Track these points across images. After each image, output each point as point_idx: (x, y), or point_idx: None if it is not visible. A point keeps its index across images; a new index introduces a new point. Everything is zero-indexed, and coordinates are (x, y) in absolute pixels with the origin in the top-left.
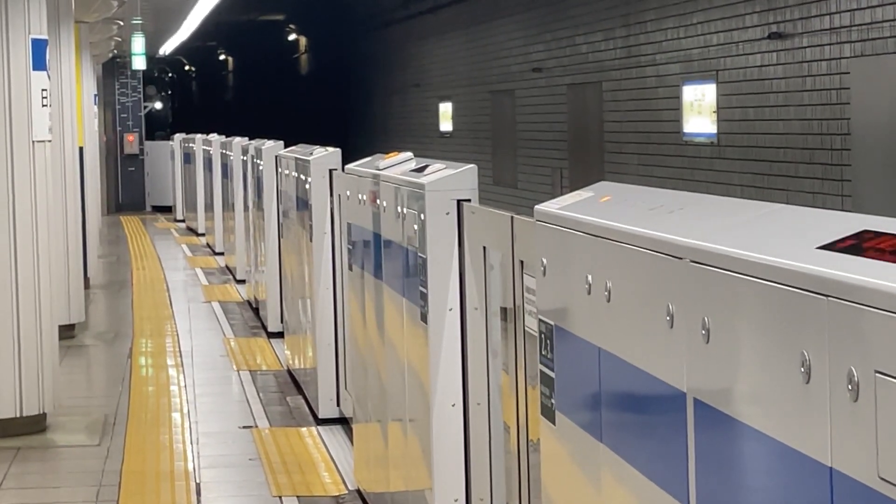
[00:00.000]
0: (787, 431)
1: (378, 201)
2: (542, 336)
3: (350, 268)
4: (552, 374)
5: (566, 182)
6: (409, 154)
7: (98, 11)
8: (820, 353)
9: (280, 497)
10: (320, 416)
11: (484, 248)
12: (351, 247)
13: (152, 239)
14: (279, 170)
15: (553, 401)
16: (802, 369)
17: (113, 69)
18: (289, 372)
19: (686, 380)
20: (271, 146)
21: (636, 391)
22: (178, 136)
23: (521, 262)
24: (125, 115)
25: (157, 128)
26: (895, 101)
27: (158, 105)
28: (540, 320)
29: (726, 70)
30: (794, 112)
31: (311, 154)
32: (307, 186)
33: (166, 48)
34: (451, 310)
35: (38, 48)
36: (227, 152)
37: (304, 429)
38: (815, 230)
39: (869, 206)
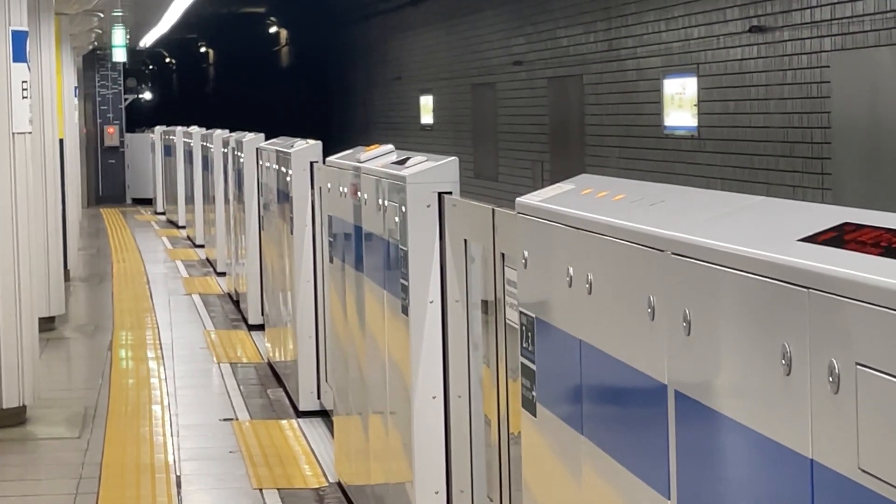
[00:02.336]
0: (767, 423)
1: (359, 194)
2: (524, 328)
3: (331, 260)
4: (533, 367)
5: (547, 175)
6: (391, 146)
7: (78, 3)
8: (801, 345)
9: (261, 489)
10: (301, 409)
11: (465, 240)
12: (332, 239)
13: (132, 231)
14: (260, 162)
15: (534, 393)
16: (783, 361)
17: (93, 61)
18: (269, 364)
19: (667, 372)
20: (252, 139)
21: (617, 383)
22: (159, 129)
23: (503, 254)
24: (105, 108)
25: (140, 120)
26: (875, 94)
27: (148, 95)
28: (521, 313)
29: (707, 63)
30: (775, 105)
31: (293, 146)
32: (288, 179)
33: (147, 40)
34: (431, 302)
35: (19, 40)
36: (208, 145)
37: (284, 421)
38: (796, 222)
39: (849, 199)
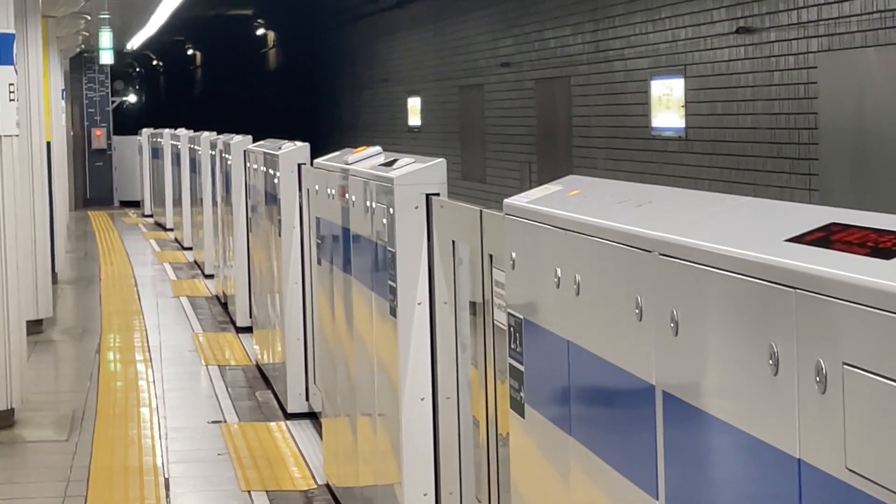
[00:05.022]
0: (755, 423)
1: (347, 196)
2: (512, 329)
3: (319, 262)
4: (521, 368)
5: (534, 176)
6: (378, 148)
7: (65, 6)
8: (788, 345)
9: (249, 492)
10: (289, 411)
11: (453, 241)
12: (320, 241)
13: (120, 234)
14: (248, 164)
15: (522, 394)
16: (771, 361)
17: (80, 64)
18: (257, 367)
19: (655, 372)
20: (240, 141)
21: (605, 384)
22: (146, 131)
23: (490, 255)
24: (93, 110)
25: (128, 122)
26: (862, 95)
27: (132, 98)
28: (509, 314)
29: (694, 65)
30: (762, 106)
31: (280, 148)
32: (276, 181)
33: (134, 43)
34: (419, 304)
35: (5, 43)
36: (196, 147)
37: (272, 423)
38: (782, 223)
39: (836, 200)
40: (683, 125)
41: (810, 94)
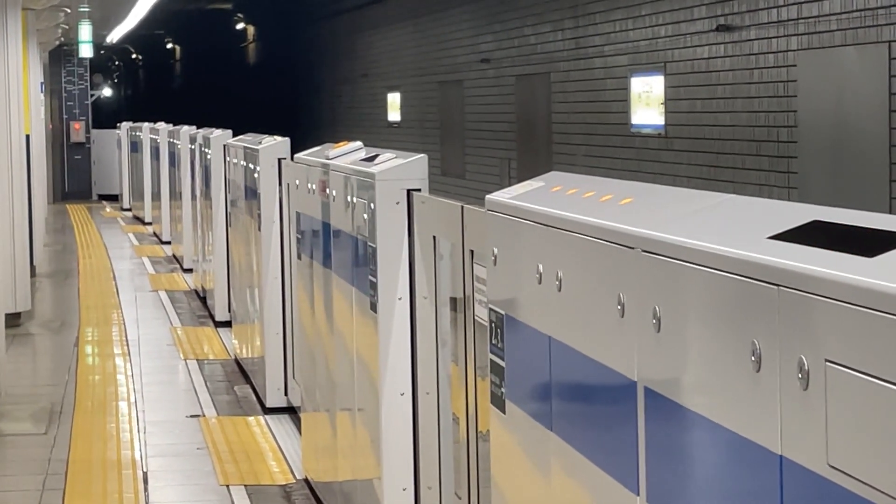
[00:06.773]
0: (737, 420)
1: (328, 190)
2: (493, 325)
3: (299, 257)
4: (502, 364)
5: (514, 173)
6: (359, 143)
7: None
8: (770, 342)
9: (227, 486)
10: (268, 406)
11: (434, 237)
12: (300, 236)
13: (99, 228)
14: (227, 159)
15: (503, 390)
16: (753, 358)
17: (60, 57)
18: (236, 361)
19: (637, 369)
20: (219, 135)
21: (587, 380)
22: (125, 125)
23: (472, 251)
24: (71, 104)
25: (107, 116)
26: (841, 93)
27: (108, 92)
28: (490, 309)
29: (674, 62)
30: (742, 104)
31: (260, 143)
32: (256, 175)
33: (113, 36)
34: (400, 299)
35: None
36: (175, 141)
37: (251, 418)
38: (765, 220)
39: (814, 198)
40: (663, 122)
41: (790, 92)
